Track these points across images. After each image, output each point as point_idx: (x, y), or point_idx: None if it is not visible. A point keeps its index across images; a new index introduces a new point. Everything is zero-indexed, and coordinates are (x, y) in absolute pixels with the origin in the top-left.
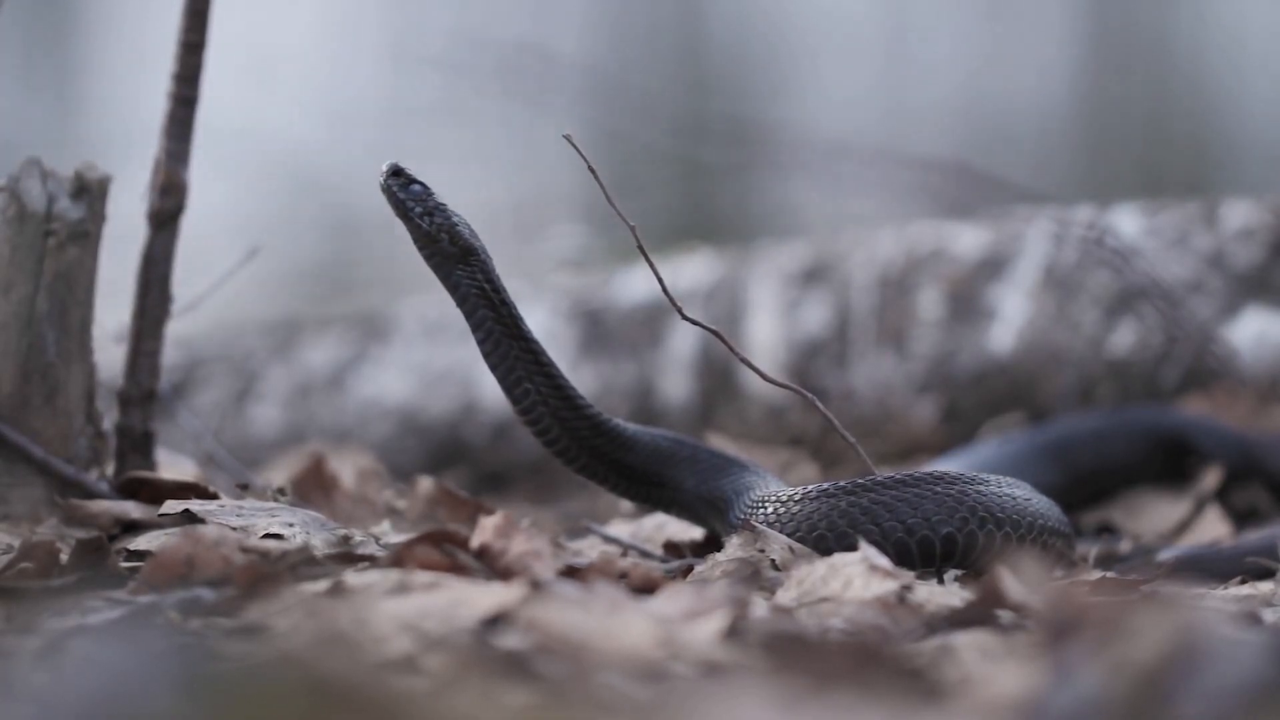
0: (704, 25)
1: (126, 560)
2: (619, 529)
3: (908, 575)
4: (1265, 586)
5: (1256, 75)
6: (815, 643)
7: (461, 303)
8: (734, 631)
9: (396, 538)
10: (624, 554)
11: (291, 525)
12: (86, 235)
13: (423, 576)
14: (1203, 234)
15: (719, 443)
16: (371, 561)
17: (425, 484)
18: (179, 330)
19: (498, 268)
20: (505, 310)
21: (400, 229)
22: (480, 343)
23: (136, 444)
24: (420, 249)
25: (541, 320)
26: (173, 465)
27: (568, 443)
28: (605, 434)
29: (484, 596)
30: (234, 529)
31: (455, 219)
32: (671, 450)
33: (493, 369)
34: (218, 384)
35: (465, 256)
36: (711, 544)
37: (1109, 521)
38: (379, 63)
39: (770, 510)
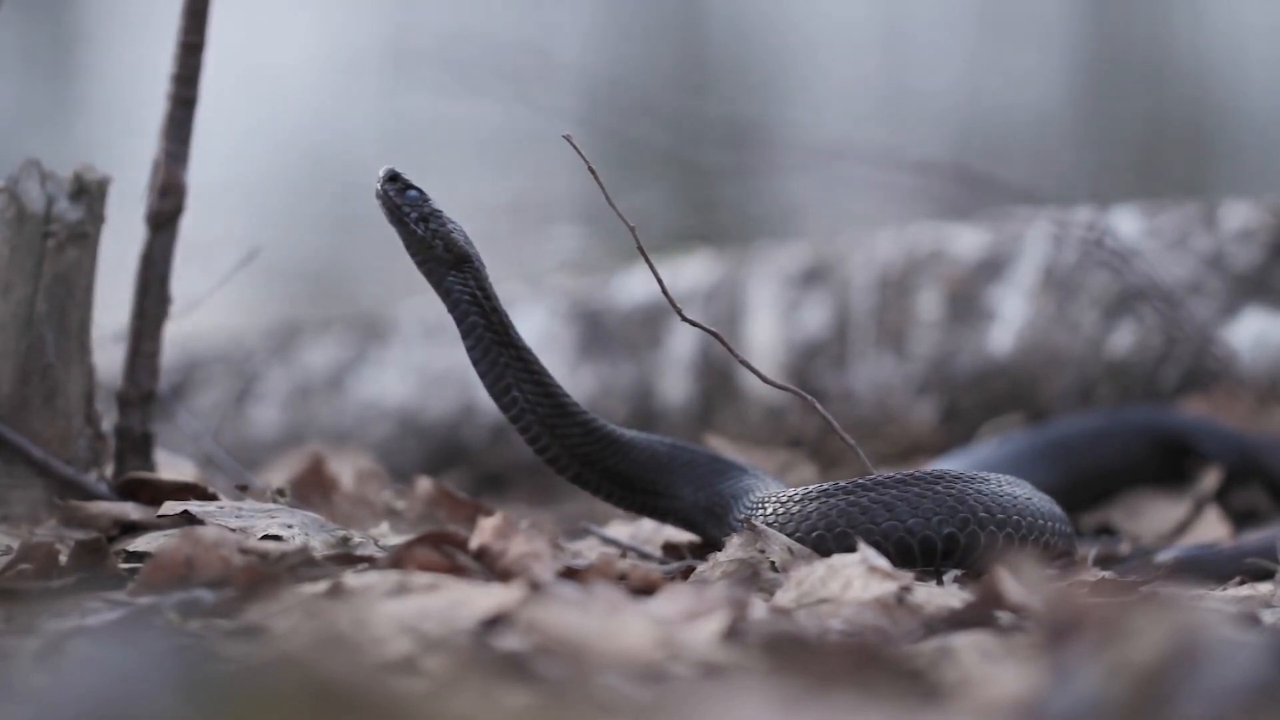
0: (704, 26)
1: (126, 561)
2: (618, 530)
3: (907, 576)
4: (1264, 587)
5: (1256, 75)
6: (814, 644)
7: (453, 309)
8: (733, 632)
9: (396, 539)
10: (623, 555)
11: (290, 526)
12: (85, 236)
13: (422, 578)
14: (1202, 235)
15: (718, 444)
16: (371, 563)
17: (424, 485)
18: (178, 331)
19: (496, 269)
20: (497, 318)
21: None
22: (470, 349)
23: (136, 445)
24: (413, 255)
25: (540, 321)
26: (172, 466)
27: (558, 451)
28: (600, 440)
29: (483, 598)
30: (233, 530)
31: (450, 225)
32: (669, 456)
33: (481, 376)
34: (217, 385)
35: (459, 264)
36: (710, 545)
37: (1109, 522)
38: (378, 62)
39: (770, 511)
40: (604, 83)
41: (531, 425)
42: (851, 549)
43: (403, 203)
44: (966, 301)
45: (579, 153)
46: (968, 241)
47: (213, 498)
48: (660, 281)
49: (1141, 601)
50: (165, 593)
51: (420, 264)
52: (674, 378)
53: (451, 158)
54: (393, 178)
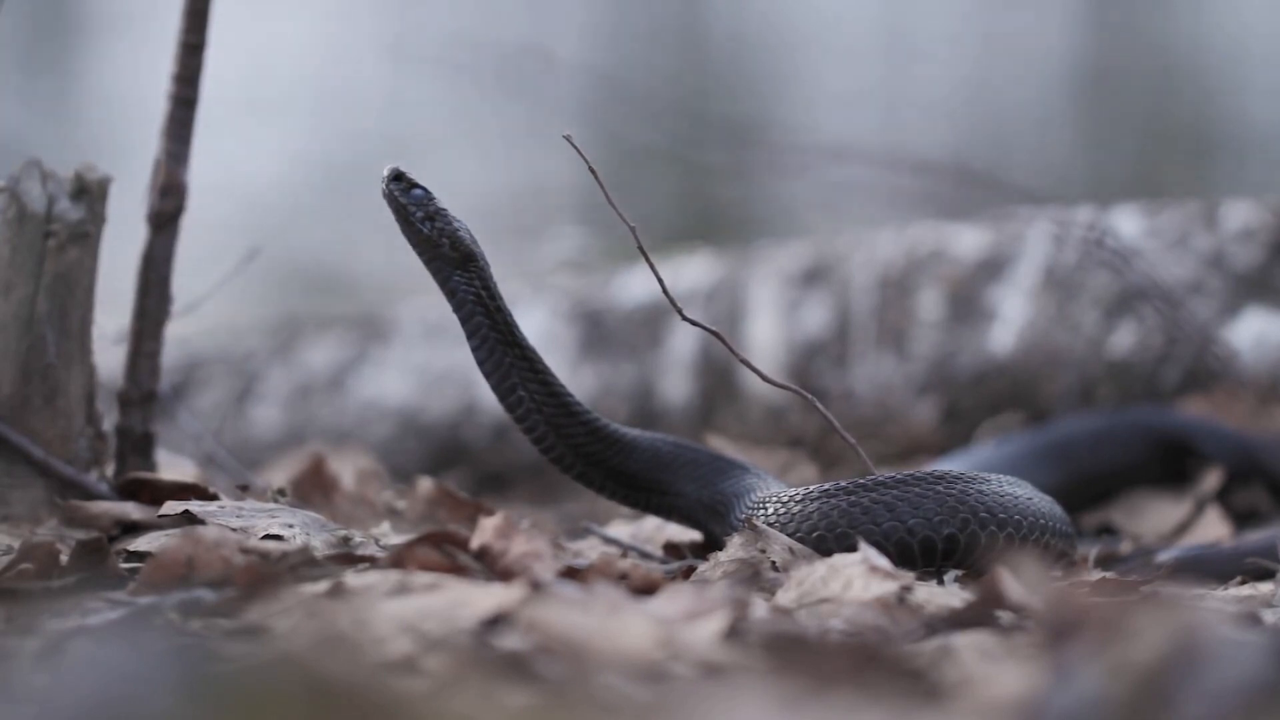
0: (704, 25)
1: (126, 561)
2: (619, 530)
3: (907, 576)
4: (1265, 587)
5: (1257, 76)
6: (815, 643)
7: (458, 308)
8: (734, 632)
9: (396, 539)
10: (624, 555)
11: (291, 526)
12: (86, 236)
13: (423, 577)
14: (1203, 234)
15: (719, 444)
16: (371, 562)
17: (425, 485)
18: (179, 331)
19: (497, 269)
20: (501, 317)
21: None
22: (475, 349)
23: (136, 445)
24: (419, 254)
25: (541, 321)
26: (173, 466)
27: (563, 450)
28: (604, 439)
29: (484, 597)
30: (234, 530)
31: (456, 224)
32: (671, 454)
33: (486, 376)
34: (218, 385)
35: (465, 263)
36: (711, 545)
37: (1109, 522)
38: (379, 63)
39: (771, 511)
40: (605, 82)
41: (537, 425)
42: (852, 549)
43: (408, 201)
44: (967, 301)
45: (579, 152)
46: (968, 241)
47: (213, 498)
48: (661, 281)
49: (1142, 601)
50: (166, 593)
51: (426, 263)
52: (675, 377)
53: (453, 157)
54: (398, 176)
